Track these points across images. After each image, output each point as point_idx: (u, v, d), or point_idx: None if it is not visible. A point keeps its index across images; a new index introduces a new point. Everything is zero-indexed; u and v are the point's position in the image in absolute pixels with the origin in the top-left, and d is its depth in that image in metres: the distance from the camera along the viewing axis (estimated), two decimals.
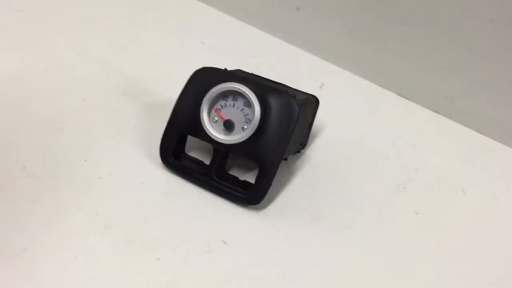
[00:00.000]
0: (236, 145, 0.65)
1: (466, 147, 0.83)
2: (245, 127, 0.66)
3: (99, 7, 1.03)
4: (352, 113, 0.87)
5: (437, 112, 0.89)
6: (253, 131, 0.65)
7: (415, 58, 0.88)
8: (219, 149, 0.67)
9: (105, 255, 0.60)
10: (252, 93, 0.65)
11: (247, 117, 0.66)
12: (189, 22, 1.03)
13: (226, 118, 0.66)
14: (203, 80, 0.68)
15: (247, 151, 0.66)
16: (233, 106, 0.66)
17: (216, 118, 0.67)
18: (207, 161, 0.70)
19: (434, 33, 0.84)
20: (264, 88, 0.67)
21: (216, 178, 0.68)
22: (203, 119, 0.67)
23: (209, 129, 0.66)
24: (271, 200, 0.68)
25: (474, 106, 0.85)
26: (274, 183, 0.66)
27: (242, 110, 0.66)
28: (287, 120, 0.65)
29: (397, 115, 0.88)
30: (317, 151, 0.78)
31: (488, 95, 0.83)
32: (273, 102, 0.65)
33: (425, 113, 0.89)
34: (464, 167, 0.79)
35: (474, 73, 0.83)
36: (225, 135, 0.66)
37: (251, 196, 0.66)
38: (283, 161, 0.69)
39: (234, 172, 0.71)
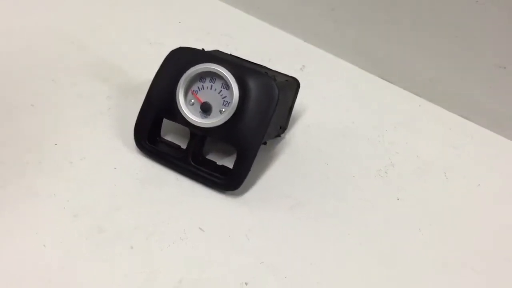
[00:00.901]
0: (214, 128, 0.65)
1: (448, 132, 0.83)
2: (223, 110, 0.65)
3: None
4: (334, 97, 0.86)
5: (420, 96, 0.88)
6: (231, 114, 0.64)
7: (398, 40, 0.87)
8: (196, 133, 0.67)
9: (75, 244, 0.58)
10: (230, 74, 0.64)
11: (225, 99, 0.65)
12: (167, 1, 1.01)
13: (203, 100, 0.65)
14: (180, 61, 0.67)
15: (225, 135, 0.65)
16: (211, 88, 0.66)
17: (192, 101, 0.66)
18: (183, 146, 0.69)
19: (418, 14, 0.83)
20: (243, 69, 0.66)
21: (193, 163, 0.67)
22: (179, 101, 0.66)
23: (185, 112, 0.65)
24: (249, 186, 0.68)
25: (457, 89, 0.85)
26: (253, 168, 0.65)
27: (220, 92, 0.65)
28: (266, 103, 0.64)
29: (379, 99, 0.87)
30: (298, 135, 0.77)
31: (472, 79, 0.82)
32: (252, 84, 0.65)
33: (408, 97, 0.88)
34: (446, 151, 0.79)
35: (458, 56, 0.82)
36: (202, 118, 0.65)
37: (229, 181, 0.65)
38: (263, 146, 0.68)
39: (211, 156, 0.70)
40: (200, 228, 0.62)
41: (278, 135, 0.75)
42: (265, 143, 0.71)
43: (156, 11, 0.98)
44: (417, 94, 0.89)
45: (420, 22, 0.83)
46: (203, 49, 0.69)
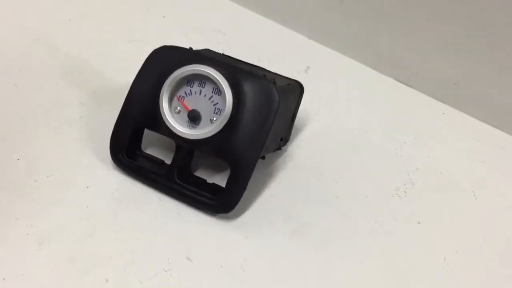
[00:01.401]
0: (203, 140, 0.65)
1: (477, 143, 0.83)
2: (214, 119, 0.65)
3: None
4: (344, 103, 0.87)
5: (444, 102, 0.88)
6: (223, 123, 0.64)
7: (418, 37, 0.87)
8: (182, 145, 0.67)
9: (41, 276, 0.58)
10: (222, 77, 0.64)
11: (216, 106, 0.65)
12: None
13: (190, 108, 0.66)
14: (164, 62, 0.67)
15: (217, 148, 0.65)
16: (200, 94, 0.66)
17: (178, 108, 0.66)
18: (168, 160, 0.69)
19: (442, 6, 0.83)
20: (238, 71, 0.66)
21: (178, 181, 0.67)
22: (163, 109, 0.66)
23: (170, 121, 0.66)
24: (245, 208, 0.68)
25: (487, 94, 0.85)
26: (249, 186, 0.65)
27: (210, 98, 0.65)
28: (265, 110, 0.65)
29: (396, 105, 0.88)
30: (302, 148, 0.78)
31: (505, 82, 0.83)
32: (248, 88, 0.65)
33: (429, 103, 0.89)
34: (474, 166, 0.79)
35: (488, 56, 0.82)
36: (190, 128, 0.66)
37: (221, 202, 0.65)
38: (260, 160, 0.68)
39: (200, 173, 0.71)
40: (187, 258, 0.62)
41: (279, 148, 0.75)
42: (263, 158, 0.71)
43: (137, 4, 0.99)
44: (440, 100, 0.89)
45: (444, 15, 0.84)
46: (190, 48, 0.70)
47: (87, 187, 0.67)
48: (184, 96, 0.66)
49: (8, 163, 0.68)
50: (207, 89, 0.65)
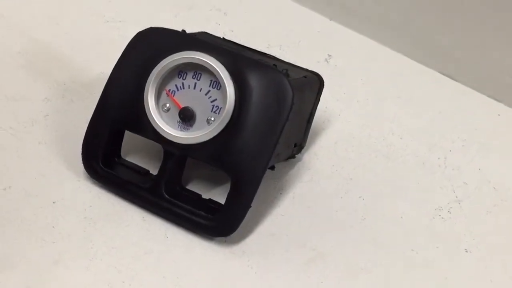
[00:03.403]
0: (198, 145, 0.65)
1: None
2: (212, 119, 0.65)
3: None
4: (374, 100, 0.87)
5: (500, 101, 0.89)
6: (223, 125, 0.64)
7: (467, 22, 0.87)
8: (172, 151, 0.67)
9: None
10: (222, 67, 0.65)
11: (214, 104, 0.65)
12: None
13: (183, 105, 0.66)
14: (150, 48, 0.68)
15: (215, 155, 0.65)
16: (194, 88, 0.66)
17: (168, 105, 0.67)
18: (154, 170, 0.70)
19: None
20: (241, 60, 0.66)
21: (167, 196, 0.67)
22: (148, 106, 0.66)
23: (157, 122, 0.66)
24: (249, 230, 0.68)
25: None
26: (254, 204, 0.65)
27: (207, 93, 0.66)
28: (275, 109, 0.65)
29: (439, 104, 0.88)
30: (320, 157, 0.78)
31: None
32: (255, 82, 0.65)
33: (482, 101, 0.89)
34: None
35: None
36: (182, 130, 0.66)
37: (220, 223, 0.66)
38: (269, 171, 0.68)
39: (194, 187, 0.71)
40: None
41: (292, 156, 0.76)
42: (272, 168, 0.71)
43: None
44: (495, 98, 0.89)
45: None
46: (183, 31, 0.70)
47: (53, 203, 0.68)
48: (174, 91, 0.67)
49: None
50: (203, 82, 0.66)
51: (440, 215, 0.73)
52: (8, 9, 0.89)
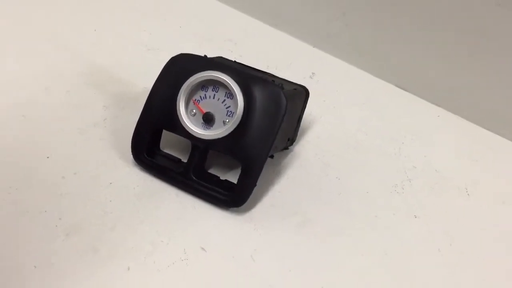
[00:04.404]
0: (217, 140, 0.65)
1: (470, 144, 0.83)
2: (227, 120, 0.65)
3: None
4: (346, 106, 0.87)
5: (439, 106, 0.88)
6: (235, 125, 0.64)
7: (416, 46, 0.87)
8: (197, 145, 0.66)
9: (68, 264, 0.58)
10: (234, 83, 0.64)
11: (229, 109, 0.65)
12: (166, 4, 1.02)
13: (205, 110, 0.66)
14: (180, 68, 0.67)
15: (229, 147, 0.65)
16: (214, 98, 0.66)
17: (194, 111, 0.66)
18: (184, 159, 0.69)
19: (437, 18, 0.83)
20: (248, 77, 0.66)
21: (194, 178, 0.67)
22: (180, 111, 0.66)
23: (186, 123, 0.66)
24: (255, 202, 0.68)
25: (479, 99, 0.84)
26: (258, 183, 0.65)
27: (223, 102, 0.65)
28: (273, 113, 0.64)
29: (395, 109, 0.88)
30: (307, 148, 0.77)
31: (496, 87, 0.82)
32: (258, 93, 0.65)
33: (425, 106, 0.89)
34: (467, 165, 0.79)
35: (480, 63, 0.82)
36: (204, 129, 0.66)
37: (233, 197, 0.65)
38: (269, 159, 0.68)
39: (214, 170, 0.71)
40: (202, 248, 0.62)
41: (286, 148, 0.75)
42: (272, 156, 0.71)
43: (155, 15, 0.99)
44: (435, 104, 0.89)
45: (439, 26, 0.83)
46: (205, 56, 0.70)
47: (110, 183, 0.67)
48: (199, 100, 0.66)
49: (39, 161, 0.68)
50: (220, 94, 0.65)
51: (395, 190, 0.73)
52: (73, 40, 0.89)
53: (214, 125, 0.66)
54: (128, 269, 0.59)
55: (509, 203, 0.73)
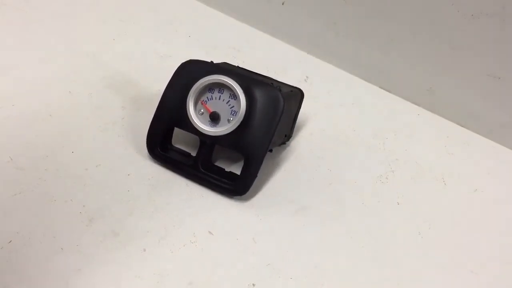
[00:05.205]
0: (222, 136, 0.65)
1: (446, 139, 0.82)
2: (231, 119, 0.64)
3: (87, 0, 1.00)
4: (336, 106, 0.86)
5: (419, 105, 0.88)
6: (238, 123, 0.64)
7: (398, 52, 0.87)
8: (205, 141, 0.66)
9: (91, 247, 0.58)
10: (237, 85, 0.64)
11: (232, 109, 0.65)
12: (177, 16, 1.02)
13: (212, 110, 0.65)
14: (190, 73, 0.67)
15: (233, 142, 0.65)
16: (219, 99, 0.65)
17: (202, 110, 0.66)
18: (193, 153, 0.69)
19: (416, 27, 0.83)
20: (250, 80, 0.66)
21: (202, 170, 0.67)
22: (189, 111, 0.66)
23: (195, 121, 0.65)
24: (256, 191, 0.67)
25: (454, 99, 0.84)
26: (259, 174, 0.65)
27: (228, 102, 0.65)
28: (272, 112, 0.64)
29: (379, 108, 0.87)
30: (302, 143, 0.77)
31: (468, 88, 0.82)
32: (259, 94, 0.64)
33: (407, 106, 0.88)
34: (444, 158, 0.78)
35: (455, 67, 0.82)
36: (211, 127, 0.65)
37: (237, 187, 0.65)
38: (268, 153, 0.68)
39: (220, 163, 0.70)
40: (210, 232, 0.62)
41: (283, 143, 0.75)
42: (271, 151, 0.71)
43: (167, 26, 0.99)
44: (416, 103, 0.88)
45: (418, 35, 0.83)
46: (212, 62, 0.69)
47: (128, 175, 0.67)
48: (206, 101, 0.66)
49: (65, 155, 0.68)
50: (225, 95, 0.65)
51: (380, 180, 0.73)
52: (97, 48, 0.89)
53: (220, 123, 0.65)
54: (144, 250, 0.59)
55: (480, 191, 0.73)
